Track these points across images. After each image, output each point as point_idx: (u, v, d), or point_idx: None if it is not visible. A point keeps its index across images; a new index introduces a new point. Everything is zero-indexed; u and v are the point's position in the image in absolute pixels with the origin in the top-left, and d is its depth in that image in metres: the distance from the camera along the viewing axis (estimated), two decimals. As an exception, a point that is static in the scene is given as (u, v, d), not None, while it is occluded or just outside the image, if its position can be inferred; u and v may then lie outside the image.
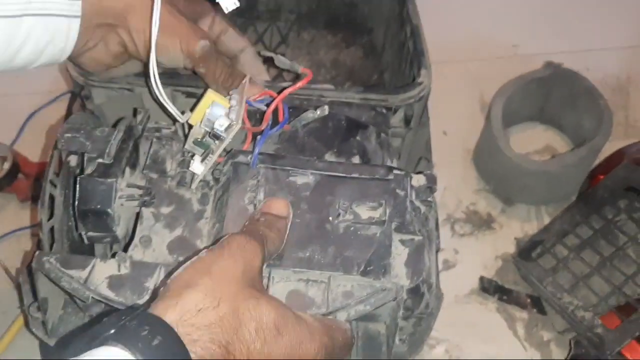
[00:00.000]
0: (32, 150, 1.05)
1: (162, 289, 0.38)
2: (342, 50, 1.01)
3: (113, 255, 0.51)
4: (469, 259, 0.99)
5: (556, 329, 0.90)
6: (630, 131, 1.14)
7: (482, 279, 0.96)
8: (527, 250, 0.94)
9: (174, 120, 0.59)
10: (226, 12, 0.53)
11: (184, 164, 0.58)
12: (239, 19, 1.00)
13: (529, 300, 0.94)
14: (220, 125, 0.54)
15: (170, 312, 0.35)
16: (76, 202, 0.55)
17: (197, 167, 0.56)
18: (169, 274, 0.45)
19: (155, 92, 0.55)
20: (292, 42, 1.03)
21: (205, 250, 0.42)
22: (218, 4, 0.55)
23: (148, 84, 0.57)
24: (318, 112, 0.62)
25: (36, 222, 0.61)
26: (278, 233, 0.49)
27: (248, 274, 0.41)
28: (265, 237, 0.46)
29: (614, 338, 0.81)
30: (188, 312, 0.35)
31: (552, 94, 1.09)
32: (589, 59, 1.22)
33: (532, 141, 1.12)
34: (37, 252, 0.52)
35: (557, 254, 0.92)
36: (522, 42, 1.27)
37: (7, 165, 0.97)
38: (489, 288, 0.95)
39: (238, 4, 0.53)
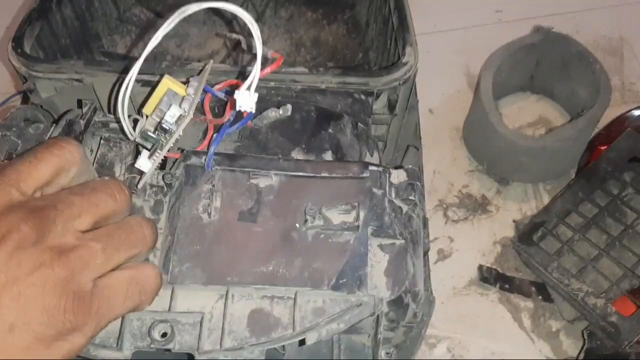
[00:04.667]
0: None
1: None
2: (323, 27, 0.93)
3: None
4: (465, 247, 0.92)
5: (565, 318, 0.84)
6: (628, 95, 1.07)
7: (481, 267, 0.89)
8: (527, 234, 0.87)
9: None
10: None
11: (134, 168, 0.51)
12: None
13: (533, 287, 0.87)
14: (171, 116, 0.47)
15: None
16: None
17: (144, 163, 0.48)
18: None
19: (118, 105, 0.47)
20: (269, 20, 0.94)
21: None
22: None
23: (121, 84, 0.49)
24: (280, 111, 0.56)
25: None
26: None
27: None
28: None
29: (631, 327, 0.74)
30: None
31: (542, 61, 1.01)
32: (578, 21, 1.14)
33: (524, 113, 1.05)
34: None
35: (561, 235, 0.85)
36: (505, 7, 1.19)
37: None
38: (489, 277, 0.88)
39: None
